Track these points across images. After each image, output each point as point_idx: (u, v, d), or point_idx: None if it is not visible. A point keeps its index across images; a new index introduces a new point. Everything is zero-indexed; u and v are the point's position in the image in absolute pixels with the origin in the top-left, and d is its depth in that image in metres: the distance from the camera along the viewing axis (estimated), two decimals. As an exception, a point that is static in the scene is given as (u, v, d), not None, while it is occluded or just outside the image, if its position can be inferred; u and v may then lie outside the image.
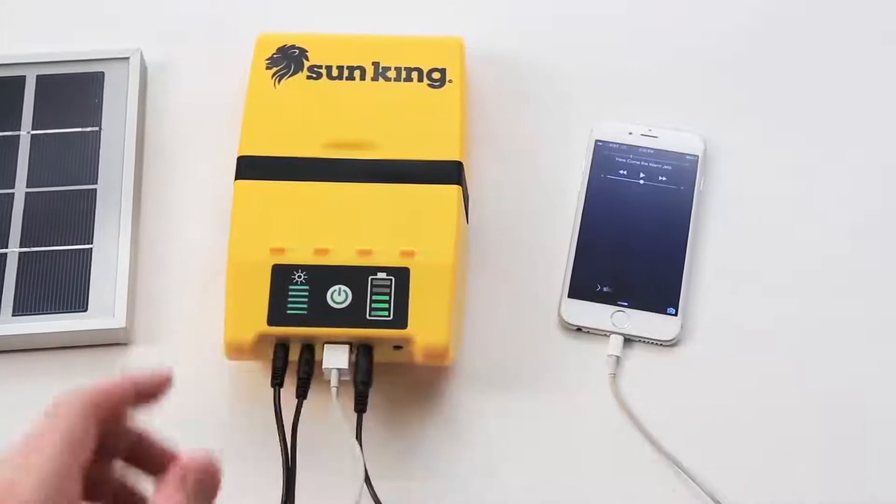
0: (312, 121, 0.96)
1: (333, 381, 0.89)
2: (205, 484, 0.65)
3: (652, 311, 0.96)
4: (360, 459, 0.87)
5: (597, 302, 0.96)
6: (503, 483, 0.91)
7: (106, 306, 0.95)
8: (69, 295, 0.95)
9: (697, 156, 1.01)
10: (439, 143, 0.95)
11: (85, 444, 0.63)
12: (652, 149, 1.02)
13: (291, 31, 1.02)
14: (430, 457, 0.92)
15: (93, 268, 0.96)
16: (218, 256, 0.95)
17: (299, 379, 0.89)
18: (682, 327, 0.95)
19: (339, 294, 0.89)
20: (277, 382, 0.89)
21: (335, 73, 0.99)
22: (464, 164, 0.95)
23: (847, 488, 0.91)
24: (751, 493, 0.90)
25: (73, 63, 1.04)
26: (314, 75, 0.99)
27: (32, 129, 1.01)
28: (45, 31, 1.08)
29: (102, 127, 1.02)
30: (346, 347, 0.89)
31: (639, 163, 1.01)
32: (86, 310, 0.94)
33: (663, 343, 0.95)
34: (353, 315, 0.89)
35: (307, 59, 0.99)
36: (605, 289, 0.96)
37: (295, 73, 0.99)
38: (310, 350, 0.90)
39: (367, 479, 0.87)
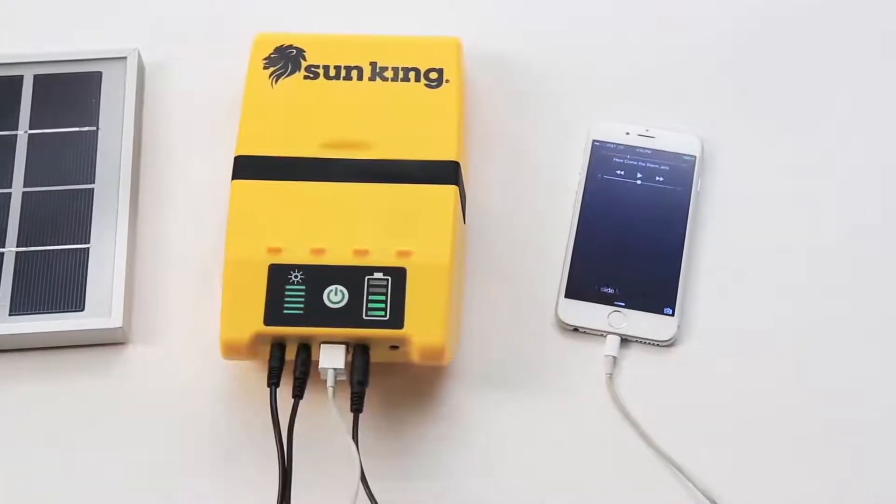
0: (309, 121, 0.96)
1: (330, 381, 0.89)
2: None
3: (649, 312, 0.96)
4: (356, 459, 0.87)
5: (594, 302, 0.96)
6: (500, 483, 0.91)
7: (103, 306, 0.95)
8: (66, 294, 0.95)
9: (695, 156, 1.01)
10: (436, 143, 0.95)
11: None
12: (649, 149, 1.02)
13: (289, 31, 1.02)
14: (426, 457, 0.92)
15: (90, 267, 0.96)
16: (215, 256, 0.96)
17: (296, 379, 0.89)
18: (678, 327, 0.95)
19: (336, 294, 0.89)
20: (274, 382, 0.89)
21: (332, 72, 0.99)
22: (461, 164, 0.95)
23: (844, 488, 0.91)
24: (747, 492, 0.90)
25: (71, 63, 1.04)
26: (311, 75, 0.99)
27: (30, 128, 1.01)
28: (42, 31, 1.08)
29: (100, 127, 1.02)
30: (343, 347, 0.89)
31: (636, 163, 1.01)
32: (83, 309, 0.94)
33: (660, 343, 0.95)
34: (349, 315, 0.89)
35: (304, 59, 0.99)
36: (602, 289, 0.96)
37: (292, 72, 0.99)
38: (306, 350, 0.90)
39: (364, 479, 0.87)
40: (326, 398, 0.88)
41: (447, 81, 0.98)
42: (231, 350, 0.89)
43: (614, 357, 0.94)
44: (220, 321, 0.89)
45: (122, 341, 0.95)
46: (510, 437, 0.92)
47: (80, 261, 0.96)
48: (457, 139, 0.96)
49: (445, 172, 0.94)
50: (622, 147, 1.02)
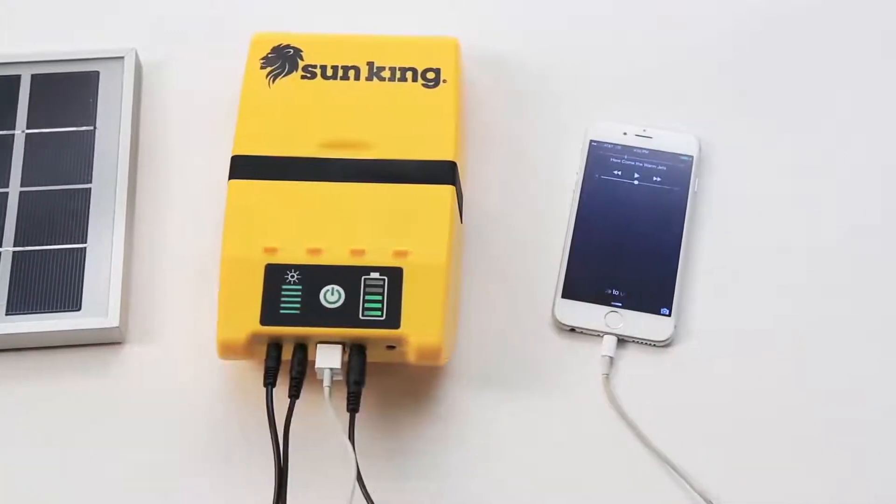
0: (306, 120, 0.96)
1: (326, 381, 0.89)
2: None
3: (645, 312, 0.96)
4: (352, 459, 0.87)
5: (590, 302, 0.96)
6: (496, 483, 0.91)
7: (99, 306, 0.95)
8: (63, 294, 0.95)
9: (692, 156, 1.01)
10: (433, 143, 0.95)
11: None
12: (646, 149, 1.01)
13: (288, 31, 1.02)
14: (423, 456, 0.92)
15: (86, 267, 0.96)
16: (211, 256, 0.96)
17: (292, 378, 0.89)
18: (675, 328, 0.95)
19: (332, 294, 0.89)
20: (270, 382, 0.89)
21: (329, 72, 0.99)
22: (458, 164, 0.95)
23: (841, 488, 0.91)
24: (743, 493, 0.90)
25: (69, 62, 1.04)
26: (308, 75, 0.98)
27: (27, 128, 1.02)
28: (40, 31, 1.08)
29: (97, 126, 1.02)
30: (339, 347, 0.89)
31: (633, 163, 1.01)
32: (79, 309, 0.94)
33: (657, 343, 0.95)
34: (345, 315, 0.89)
35: (301, 59, 0.99)
36: (598, 289, 0.96)
37: (289, 72, 0.99)
38: (302, 350, 0.90)
39: (360, 479, 0.87)
40: (323, 398, 0.88)
41: (444, 81, 0.98)
42: (227, 350, 0.89)
43: (611, 357, 0.94)
44: (217, 321, 0.89)
45: (118, 341, 0.95)
46: (507, 437, 0.92)
47: (77, 260, 0.96)
48: (454, 139, 0.95)
49: (442, 172, 0.94)
50: (619, 147, 1.02)
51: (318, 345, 0.89)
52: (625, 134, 1.02)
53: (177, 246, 0.99)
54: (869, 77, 1.07)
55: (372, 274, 0.90)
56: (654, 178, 1.00)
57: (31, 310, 0.94)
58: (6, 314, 0.94)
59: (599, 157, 1.01)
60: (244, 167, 0.94)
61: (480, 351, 0.95)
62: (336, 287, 0.90)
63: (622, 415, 0.93)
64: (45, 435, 0.92)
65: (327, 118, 0.96)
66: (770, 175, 1.02)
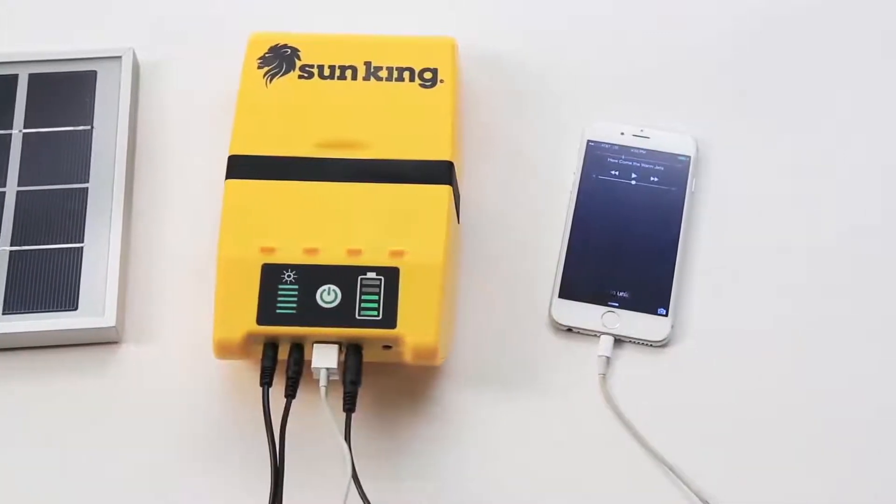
0: (304, 120, 0.96)
1: (322, 381, 0.89)
2: None
3: (642, 312, 0.95)
4: (348, 459, 0.87)
5: (587, 302, 0.96)
6: (493, 483, 0.91)
7: (96, 305, 0.95)
8: (59, 293, 0.95)
9: (689, 156, 1.01)
10: (430, 142, 0.95)
11: None
12: (644, 149, 1.01)
13: (287, 31, 1.02)
14: (419, 456, 0.92)
15: (83, 267, 0.96)
16: (208, 255, 0.96)
17: (288, 378, 0.89)
18: (672, 328, 0.95)
19: (329, 293, 0.89)
20: (266, 382, 0.89)
21: (327, 72, 0.99)
22: (455, 164, 0.95)
23: (841, 489, 0.91)
24: (740, 493, 0.90)
25: (66, 62, 1.04)
26: (306, 75, 0.98)
27: (24, 127, 1.02)
28: (37, 30, 1.08)
29: (94, 126, 1.02)
30: (336, 347, 0.89)
31: (631, 163, 1.01)
32: (76, 308, 0.94)
33: (654, 344, 0.95)
34: (342, 315, 0.89)
35: (299, 59, 0.99)
36: (595, 289, 0.96)
37: (286, 72, 0.99)
38: (299, 349, 0.90)
39: (356, 479, 0.87)
40: (319, 398, 0.88)
41: (441, 81, 0.98)
42: (224, 349, 0.89)
43: (608, 357, 0.94)
44: (213, 320, 0.89)
45: (115, 340, 0.95)
46: (503, 437, 0.92)
47: (74, 260, 0.96)
48: (451, 139, 0.95)
49: (439, 172, 0.94)
50: (617, 147, 1.02)
51: (315, 344, 0.89)
52: (622, 134, 1.02)
53: (173, 246, 0.99)
54: (869, 77, 1.07)
55: (368, 274, 0.90)
56: (652, 179, 1.00)
57: (28, 309, 0.94)
58: (3, 313, 0.94)
59: (596, 157, 1.01)
60: (241, 167, 0.94)
61: (477, 351, 0.95)
62: (332, 287, 0.90)
63: (619, 415, 0.92)
64: (41, 434, 0.92)
65: (324, 118, 0.96)
66: (770, 175, 1.02)
